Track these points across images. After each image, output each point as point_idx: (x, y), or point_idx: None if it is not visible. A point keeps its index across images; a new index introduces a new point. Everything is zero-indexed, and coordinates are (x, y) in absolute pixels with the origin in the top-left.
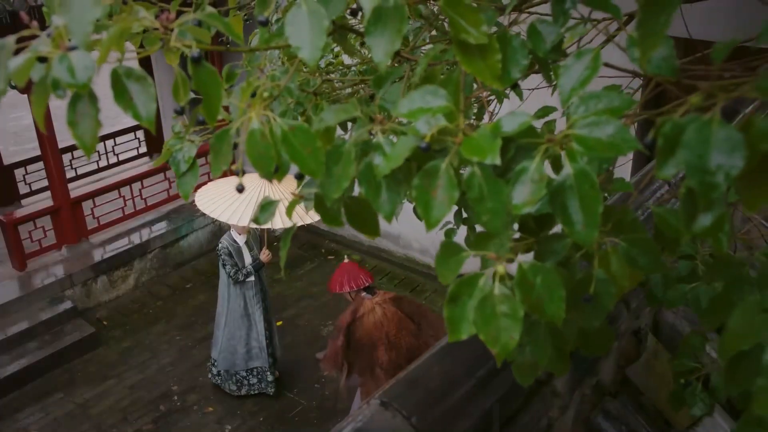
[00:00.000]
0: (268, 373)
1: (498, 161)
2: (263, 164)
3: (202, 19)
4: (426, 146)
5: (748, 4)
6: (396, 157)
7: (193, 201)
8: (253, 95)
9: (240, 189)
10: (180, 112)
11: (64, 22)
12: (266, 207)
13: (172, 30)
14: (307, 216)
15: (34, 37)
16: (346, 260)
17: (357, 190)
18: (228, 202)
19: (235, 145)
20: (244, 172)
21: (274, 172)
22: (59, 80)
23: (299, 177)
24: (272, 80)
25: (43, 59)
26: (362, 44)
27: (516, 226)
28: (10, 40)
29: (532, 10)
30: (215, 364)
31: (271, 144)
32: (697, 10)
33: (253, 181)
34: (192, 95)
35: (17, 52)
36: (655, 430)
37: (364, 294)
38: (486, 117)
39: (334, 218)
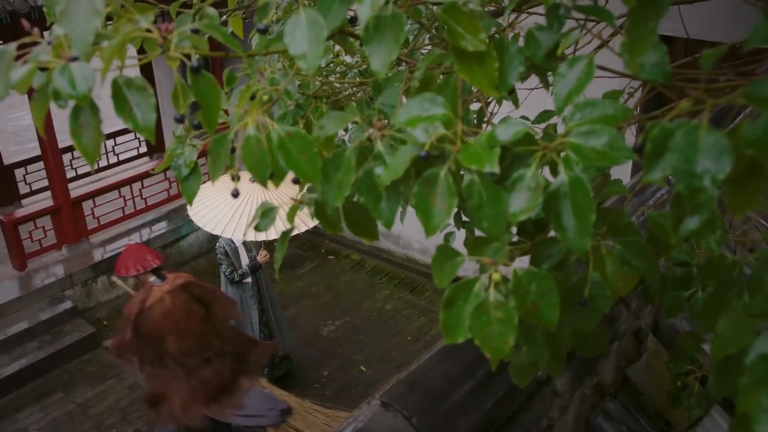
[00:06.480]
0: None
1: (497, 169)
2: (259, 170)
3: (200, 29)
4: (425, 155)
5: (747, 5)
6: (396, 167)
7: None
8: (253, 98)
9: (235, 194)
10: (180, 120)
11: (64, 32)
12: (266, 213)
13: (169, 38)
14: (310, 220)
15: (35, 43)
16: (132, 242)
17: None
18: (222, 212)
19: (233, 150)
20: (239, 177)
21: (270, 178)
22: (60, 91)
23: (297, 182)
24: (271, 84)
25: (44, 67)
26: (362, 44)
27: (514, 230)
28: (11, 47)
29: (531, 10)
30: None
31: (266, 151)
32: (697, 10)
33: (245, 186)
34: (192, 98)
35: (17, 58)
36: (655, 430)
37: (152, 279)
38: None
39: (333, 224)
